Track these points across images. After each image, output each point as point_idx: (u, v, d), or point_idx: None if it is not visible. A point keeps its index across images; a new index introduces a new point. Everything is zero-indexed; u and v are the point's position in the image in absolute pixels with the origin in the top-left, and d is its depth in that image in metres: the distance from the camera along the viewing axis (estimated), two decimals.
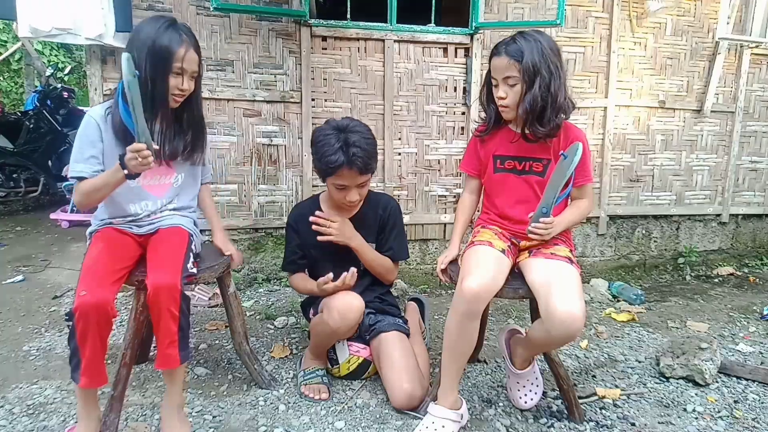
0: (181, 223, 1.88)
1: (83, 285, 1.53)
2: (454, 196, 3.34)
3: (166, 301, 1.58)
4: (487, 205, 2.00)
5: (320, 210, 2.12)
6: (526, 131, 1.75)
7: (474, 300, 1.63)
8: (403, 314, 2.27)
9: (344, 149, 1.89)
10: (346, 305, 1.90)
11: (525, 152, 1.82)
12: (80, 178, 1.69)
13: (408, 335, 2.11)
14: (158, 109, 1.71)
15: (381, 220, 2.15)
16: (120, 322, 2.56)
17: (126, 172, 1.58)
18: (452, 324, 1.69)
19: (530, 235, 1.69)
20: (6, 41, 9.59)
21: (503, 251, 1.77)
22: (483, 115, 1.93)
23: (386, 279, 2.20)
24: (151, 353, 2.27)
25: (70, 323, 1.52)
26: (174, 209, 1.90)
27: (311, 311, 2.19)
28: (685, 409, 1.99)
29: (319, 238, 2.03)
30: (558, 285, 1.60)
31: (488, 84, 1.83)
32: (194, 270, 1.78)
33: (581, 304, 1.57)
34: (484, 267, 1.68)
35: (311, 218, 2.04)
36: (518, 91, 1.70)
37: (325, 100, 3.10)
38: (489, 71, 1.79)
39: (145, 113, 1.59)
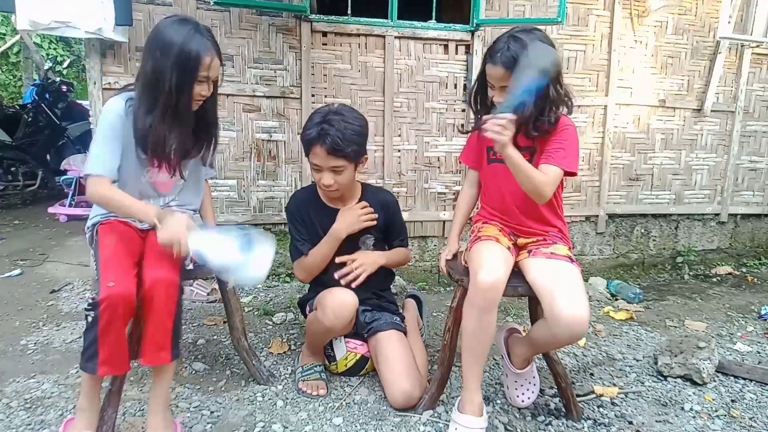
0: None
1: (110, 276, 1.52)
2: (454, 194, 3.33)
3: (163, 298, 1.56)
4: (483, 199, 2.00)
5: (318, 198, 2.11)
6: (520, 132, 1.74)
7: (491, 291, 1.61)
8: (400, 311, 2.28)
9: (319, 125, 1.89)
10: (339, 303, 1.89)
11: (514, 143, 1.80)
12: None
13: (405, 333, 2.11)
14: (183, 115, 1.69)
15: (386, 219, 2.15)
16: None
17: (151, 224, 1.63)
18: (470, 321, 1.66)
19: (483, 132, 1.60)
20: (5, 34, 9.55)
21: (508, 248, 1.78)
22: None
23: (403, 265, 2.29)
24: None
25: (92, 313, 1.49)
26: (177, 205, 1.90)
27: (307, 309, 2.18)
28: (682, 408, 1.99)
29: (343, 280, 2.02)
30: (562, 286, 1.60)
31: (481, 82, 1.82)
32: (191, 266, 1.78)
33: (586, 305, 1.56)
34: (495, 260, 1.68)
35: (336, 274, 2.03)
36: None
37: (325, 96, 3.09)
38: (483, 72, 1.78)
39: (169, 120, 1.63)
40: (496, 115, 1.59)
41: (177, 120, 1.68)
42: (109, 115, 1.69)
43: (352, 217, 2.06)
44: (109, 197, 1.67)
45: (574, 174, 1.76)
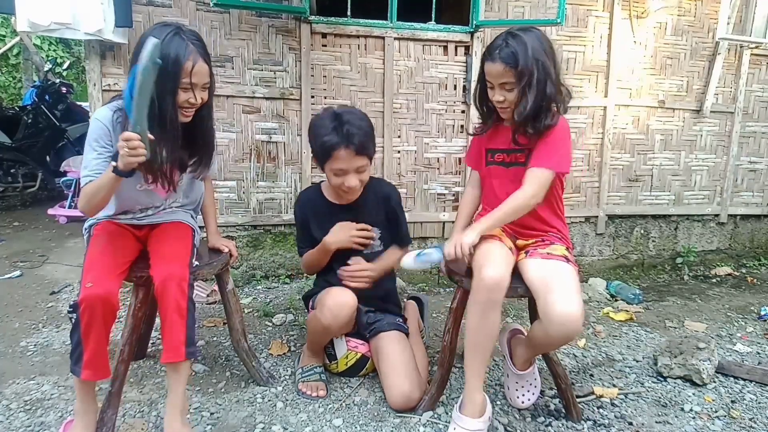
0: (183, 219, 1.89)
1: (89, 277, 1.52)
2: (453, 195, 3.34)
3: (175, 294, 1.58)
4: (484, 200, 2.00)
5: (322, 197, 2.12)
6: (519, 131, 1.75)
7: (495, 288, 1.61)
8: (403, 313, 2.28)
9: (338, 129, 1.87)
10: (338, 303, 1.90)
11: (512, 144, 1.81)
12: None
13: (407, 335, 2.11)
14: (167, 128, 1.60)
15: (387, 211, 2.15)
16: (118, 319, 2.55)
17: (114, 165, 1.48)
18: (473, 318, 1.66)
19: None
20: (4, 36, 9.56)
21: (510, 249, 1.78)
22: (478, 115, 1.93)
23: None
24: (149, 350, 2.27)
25: (74, 315, 1.51)
26: (178, 206, 1.91)
27: (311, 304, 2.18)
28: (682, 409, 1.99)
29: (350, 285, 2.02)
30: (555, 285, 1.60)
31: (482, 84, 1.83)
32: (196, 263, 1.80)
33: (579, 303, 1.56)
34: (499, 258, 1.68)
35: (339, 271, 2.05)
36: (516, 94, 1.70)
37: (325, 98, 3.09)
38: (482, 72, 1.79)
39: (154, 133, 1.51)
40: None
41: (164, 132, 1.59)
42: (94, 125, 1.64)
43: (345, 234, 2.06)
44: (89, 189, 1.59)
45: (565, 173, 1.76)
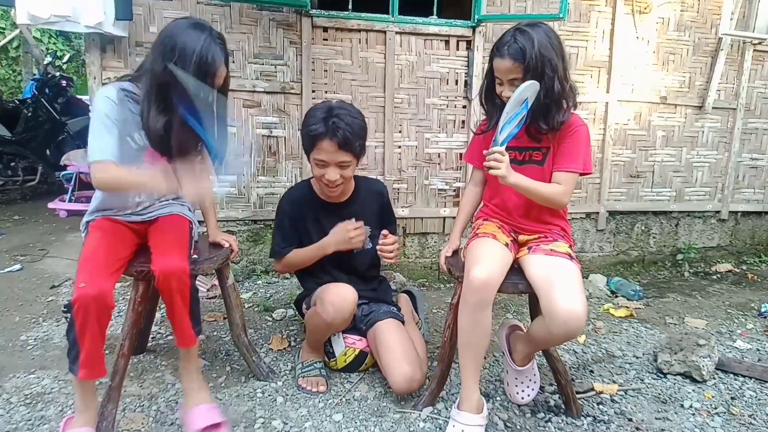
0: (180, 211, 1.89)
1: (82, 276, 1.52)
2: (454, 190, 3.33)
3: (177, 286, 1.60)
4: (486, 196, 1.99)
5: (314, 193, 2.11)
6: (531, 128, 1.74)
7: (483, 288, 1.61)
8: (396, 303, 2.30)
9: (326, 120, 1.90)
10: (339, 297, 1.90)
11: (525, 142, 1.81)
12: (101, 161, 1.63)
13: (403, 323, 2.12)
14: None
15: (380, 206, 2.20)
16: (118, 313, 2.55)
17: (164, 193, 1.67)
18: (464, 317, 1.67)
19: (486, 167, 1.64)
20: (4, 28, 9.51)
21: (506, 245, 1.77)
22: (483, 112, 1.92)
23: None
24: (149, 344, 2.27)
25: (69, 315, 1.51)
26: (174, 198, 1.91)
27: (304, 307, 2.18)
28: (682, 405, 1.99)
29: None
30: (559, 282, 1.59)
31: (489, 80, 1.82)
32: (195, 256, 1.80)
33: (583, 301, 1.56)
34: (490, 257, 1.68)
35: (379, 246, 2.04)
36: None
37: (326, 92, 3.08)
38: (491, 68, 1.78)
39: (172, 109, 1.64)
40: (490, 150, 1.62)
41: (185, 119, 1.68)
42: (103, 102, 1.65)
43: (343, 236, 2.06)
44: (117, 178, 1.63)
45: (590, 173, 1.79)
